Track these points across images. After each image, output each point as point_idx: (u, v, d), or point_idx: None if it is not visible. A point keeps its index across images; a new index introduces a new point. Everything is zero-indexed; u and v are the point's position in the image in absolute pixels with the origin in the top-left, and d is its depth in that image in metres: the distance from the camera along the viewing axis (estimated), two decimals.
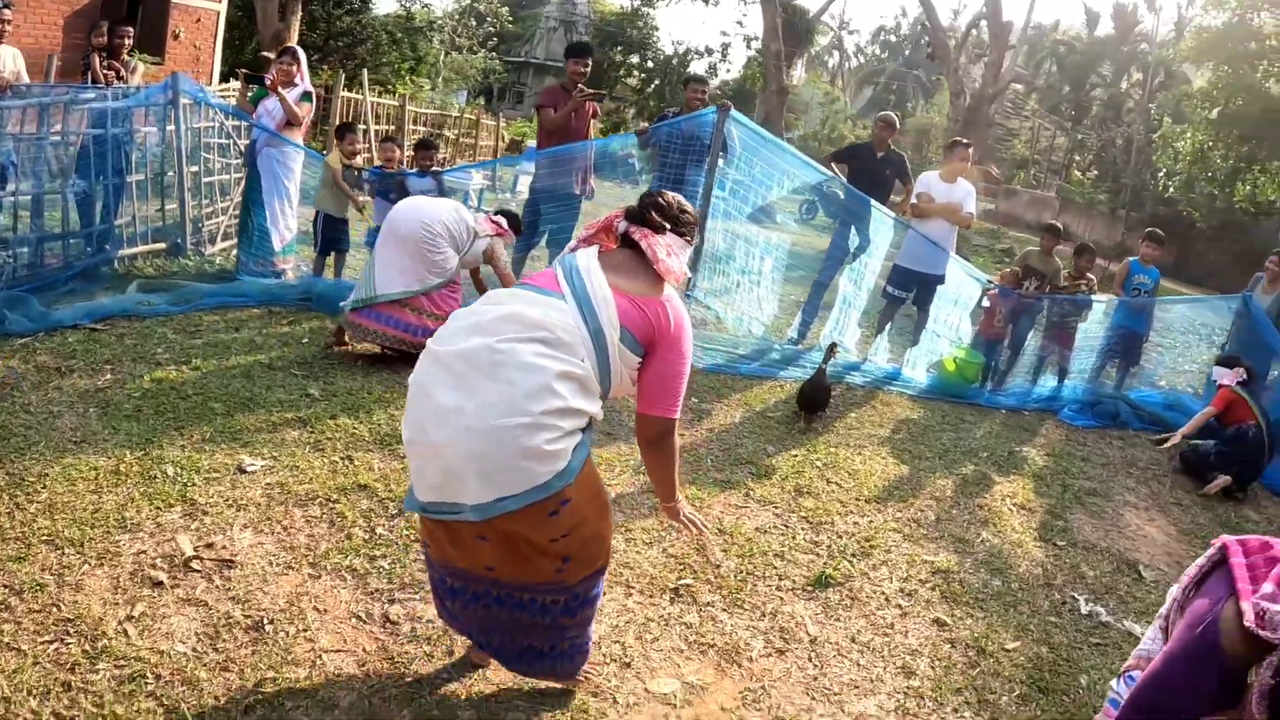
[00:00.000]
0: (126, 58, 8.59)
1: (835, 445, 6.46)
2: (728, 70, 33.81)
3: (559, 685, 3.17)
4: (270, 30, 18.58)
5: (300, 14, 19.20)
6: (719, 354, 7.99)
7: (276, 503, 4.31)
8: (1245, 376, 6.87)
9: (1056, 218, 29.55)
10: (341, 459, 4.88)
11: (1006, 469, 6.48)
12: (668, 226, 2.81)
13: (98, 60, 8.29)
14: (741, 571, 4.38)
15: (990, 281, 8.57)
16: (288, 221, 7.87)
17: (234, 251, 8.30)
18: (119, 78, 8.31)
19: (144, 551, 3.74)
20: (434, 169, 7.77)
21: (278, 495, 4.38)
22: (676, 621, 3.85)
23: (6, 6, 7.00)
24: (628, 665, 3.49)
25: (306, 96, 7.82)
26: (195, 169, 8.41)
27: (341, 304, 6.23)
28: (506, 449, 2.42)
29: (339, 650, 3.32)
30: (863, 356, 8.51)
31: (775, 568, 4.49)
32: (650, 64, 29.54)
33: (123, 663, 3.06)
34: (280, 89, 7.57)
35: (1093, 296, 8.40)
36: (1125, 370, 8.70)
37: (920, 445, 6.72)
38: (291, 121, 7.66)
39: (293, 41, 18.83)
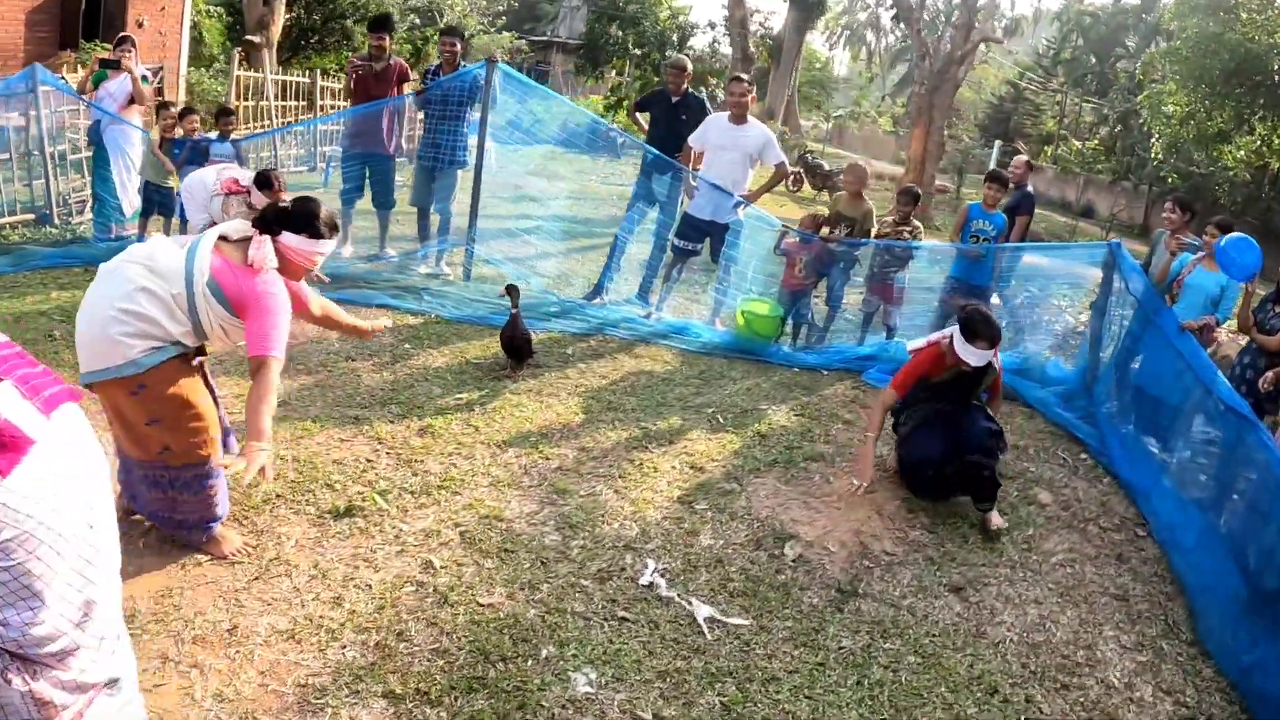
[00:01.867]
0: None
1: (526, 392, 5.76)
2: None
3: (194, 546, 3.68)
4: (255, 14, 18.28)
5: None
6: (482, 306, 7.24)
7: None
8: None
9: (1081, 196, 28.02)
10: None
11: (723, 427, 5.56)
12: (277, 229, 3.45)
13: None
14: (277, 495, 4.21)
15: (786, 226, 7.55)
16: (131, 191, 8.45)
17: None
18: None
19: None
20: (232, 136, 8.24)
21: None
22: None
23: None
24: None
25: (145, 79, 8.51)
26: (63, 148, 9.18)
27: None
28: (97, 334, 3.21)
29: None
30: (648, 310, 7.58)
31: (314, 495, 4.24)
32: (648, 38, 28.66)
33: None
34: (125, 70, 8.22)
35: (915, 242, 7.32)
36: None
37: (634, 398, 5.83)
38: (136, 100, 8.28)
39: (278, 25, 18.68)
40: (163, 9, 18.70)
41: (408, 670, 3.16)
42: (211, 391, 3.66)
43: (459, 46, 8.07)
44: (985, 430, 4.80)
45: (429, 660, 3.22)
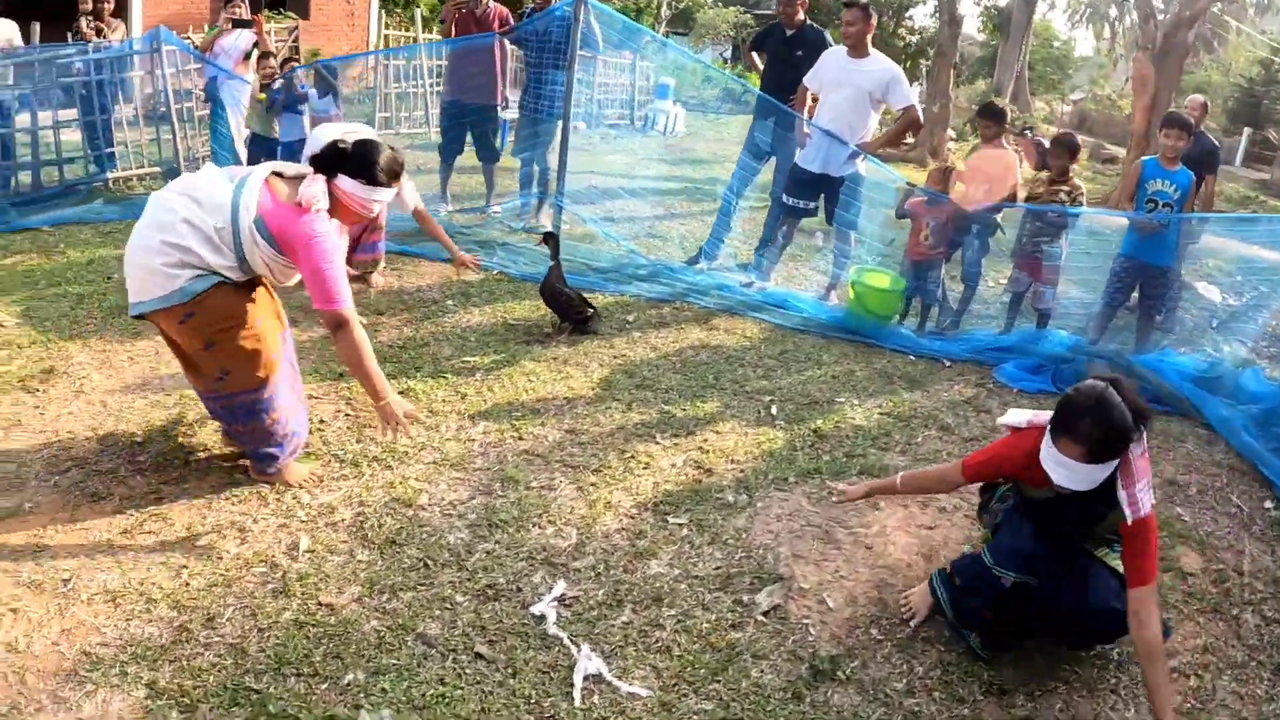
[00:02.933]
0: (110, 20, 9.50)
1: (550, 360, 4.84)
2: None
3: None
4: None
5: None
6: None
7: None
8: None
9: None
10: None
11: (774, 420, 4.35)
12: (334, 170, 3.20)
13: (84, 22, 9.26)
14: (205, 453, 3.71)
15: (910, 183, 6.09)
16: (241, 144, 8.40)
17: None
18: (99, 34, 9.20)
19: None
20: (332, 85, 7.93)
21: None
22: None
23: None
24: None
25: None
26: (189, 105, 9.24)
27: None
28: (142, 264, 3.09)
29: None
30: (750, 279, 6.38)
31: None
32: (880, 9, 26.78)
33: None
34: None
35: (1074, 209, 5.71)
36: (1145, 322, 5.90)
37: (677, 377, 4.73)
38: (260, 50, 8.17)
39: None
40: None
41: (188, 663, 2.59)
42: (279, 318, 3.45)
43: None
44: (1104, 600, 2.71)
45: (219, 656, 2.62)
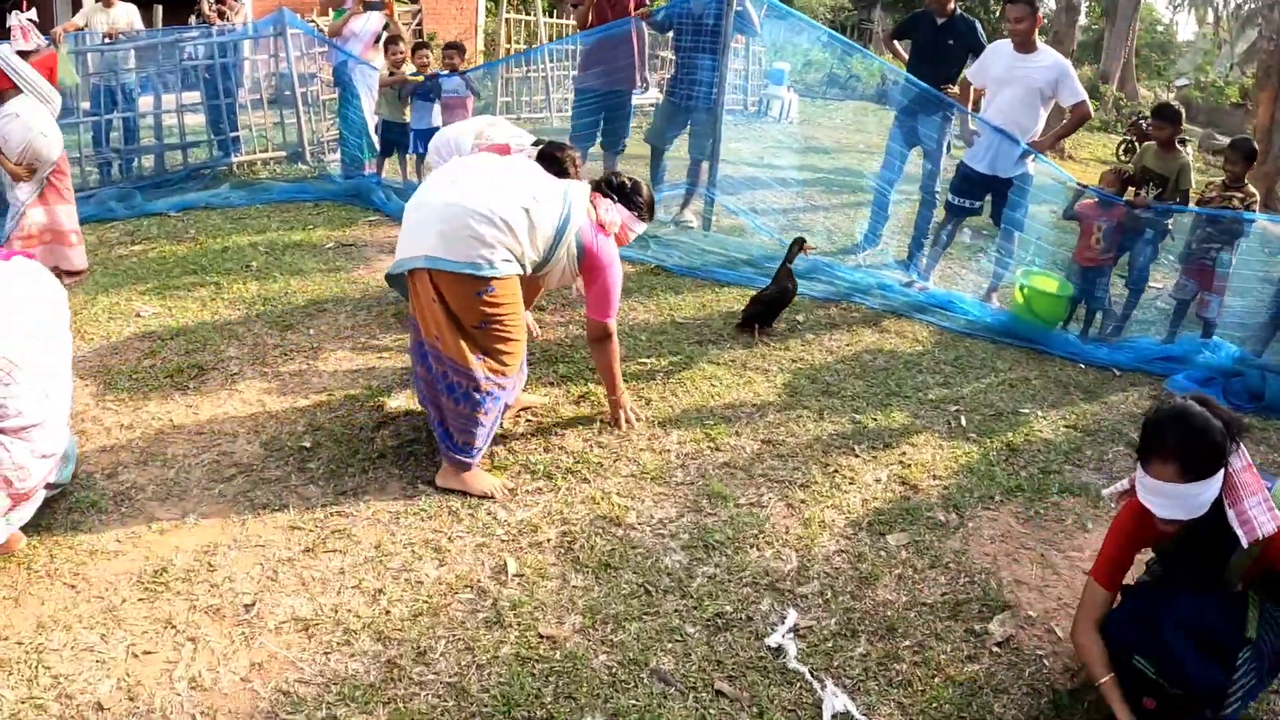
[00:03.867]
0: (233, 1, 9.32)
1: (728, 363, 4.69)
2: None
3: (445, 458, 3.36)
4: None
5: None
6: (714, 258, 6.24)
7: None
8: None
9: None
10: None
11: (964, 432, 4.18)
12: (614, 196, 3.62)
13: (206, 4, 9.09)
14: (379, 456, 3.61)
15: (1081, 185, 5.81)
16: (372, 130, 8.27)
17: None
18: (222, 17, 9.06)
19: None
20: (461, 69, 7.62)
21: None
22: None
23: None
24: None
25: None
26: (314, 89, 9.18)
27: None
28: (461, 226, 3.05)
29: None
30: (911, 279, 6.19)
31: (421, 460, 3.55)
32: None
33: None
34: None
35: (1250, 214, 5.39)
36: None
37: (860, 383, 4.60)
38: (379, 40, 8.06)
39: None
40: None
41: (404, 705, 2.35)
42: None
43: None
44: (1209, 653, 2.32)
45: (438, 697, 2.39)
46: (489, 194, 3.12)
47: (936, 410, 4.37)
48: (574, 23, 15.04)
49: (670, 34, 6.94)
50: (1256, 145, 6.26)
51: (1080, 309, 5.80)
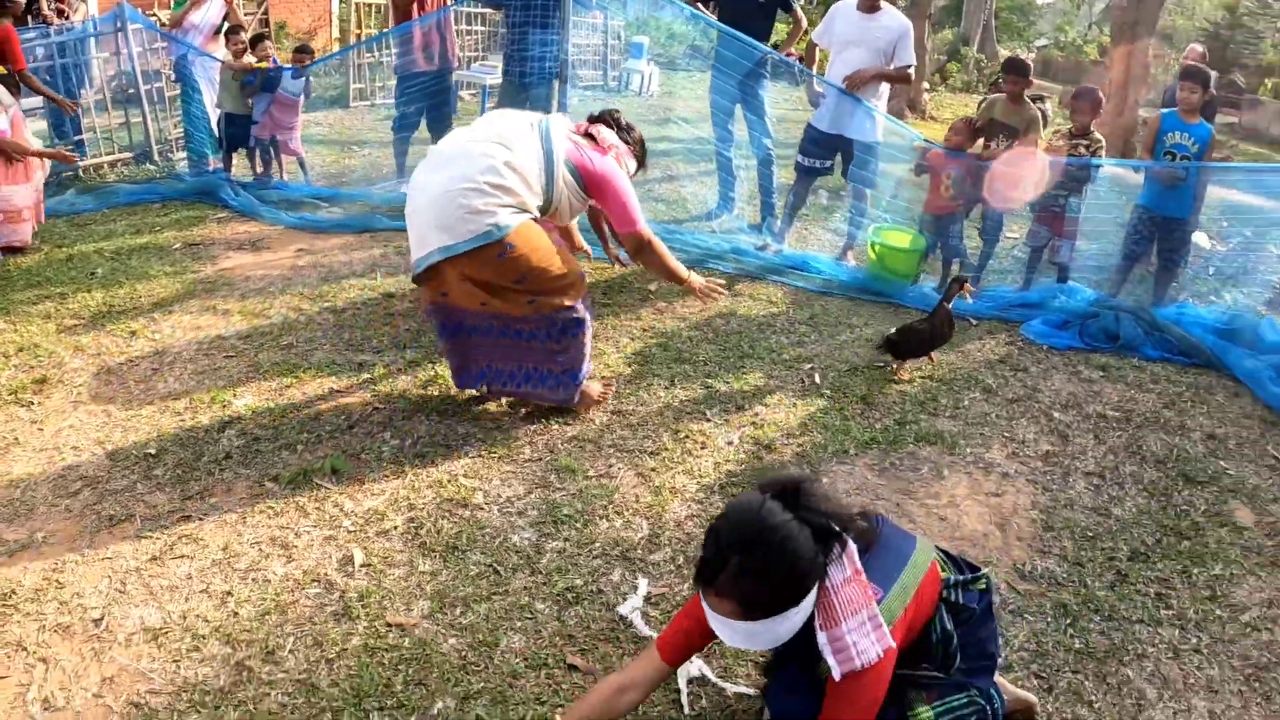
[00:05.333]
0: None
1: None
2: None
3: (558, 404, 3.72)
4: None
5: None
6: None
7: None
8: None
9: None
10: None
11: (818, 389, 4.24)
12: (611, 127, 3.81)
13: (45, 3, 8.81)
14: (225, 456, 3.40)
15: (928, 141, 5.97)
16: (213, 123, 8.12)
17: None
18: (61, 15, 8.84)
19: None
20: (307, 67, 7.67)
21: None
22: None
23: None
24: None
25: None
26: (159, 85, 8.75)
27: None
28: (452, 209, 3.25)
29: None
30: (764, 241, 6.24)
31: (269, 456, 3.38)
32: None
33: None
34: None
35: (1097, 160, 5.62)
36: (1164, 274, 5.84)
37: (713, 347, 4.60)
38: (231, 22, 7.93)
39: None
40: None
41: (255, 706, 2.33)
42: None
43: None
44: None
45: (288, 695, 2.36)
46: (464, 164, 3.28)
47: (790, 369, 4.41)
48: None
49: (502, 13, 6.84)
50: (1106, 98, 6.53)
51: (935, 262, 5.95)
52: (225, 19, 7.86)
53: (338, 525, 3.05)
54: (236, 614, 2.63)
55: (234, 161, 7.85)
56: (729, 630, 1.80)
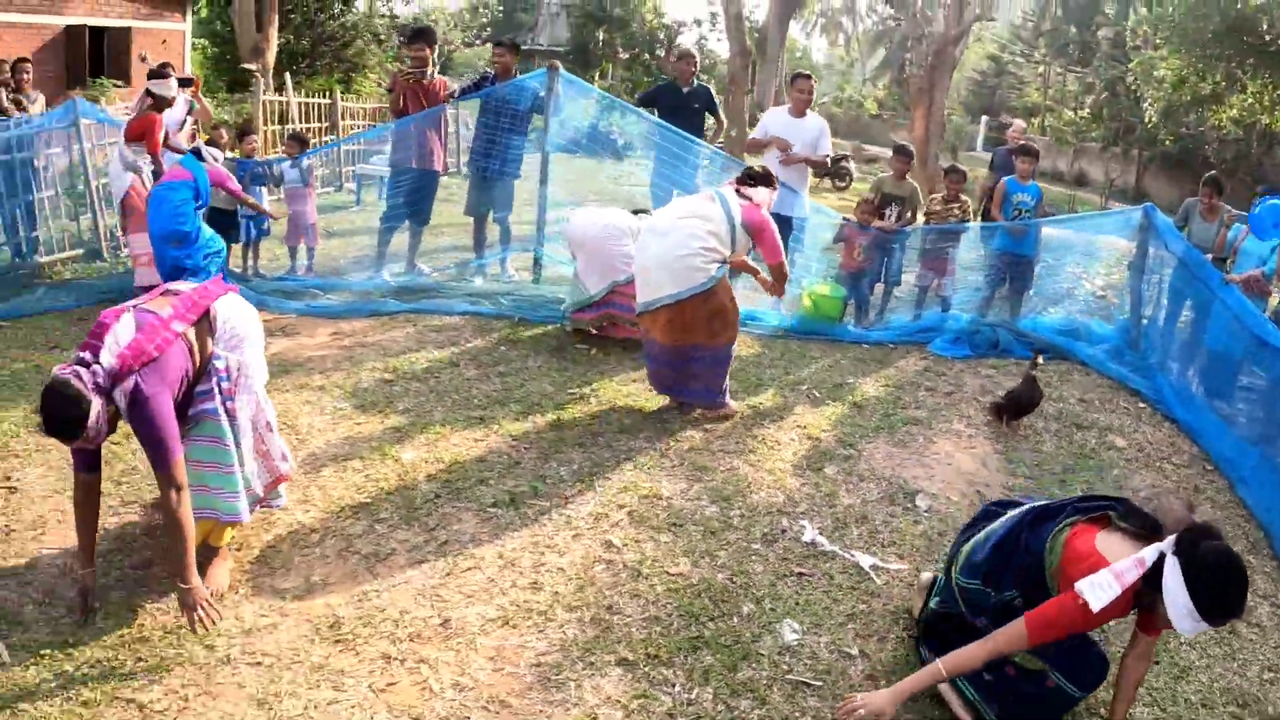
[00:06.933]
0: (29, 90, 9.04)
1: (631, 381, 6.06)
2: (719, 39, 33.07)
3: (710, 411, 5.41)
4: (248, 43, 18.57)
5: (277, 24, 19.18)
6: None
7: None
8: None
9: (1073, 164, 28.50)
10: None
11: (822, 400, 5.99)
12: (754, 182, 5.41)
13: (3, 95, 8.63)
14: (435, 495, 4.40)
15: (845, 218, 8.04)
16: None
17: None
18: (20, 108, 8.70)
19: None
20: (298, 155, 8.31)
21: None
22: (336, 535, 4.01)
23: None
24: None
25: (193, 105, 8.48)
26: (106, 181, 8.51)
27: (562, 310, 6.96)
28: (680, 268, 4.98)
29: (55, 548, 3.49)
30: None
31: (471, 491, 4.45)
32: (636, 39, 29.14)
33: None
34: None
35: (967, 223, 7.83)
36: (1017, 297, 8.05)
37: (733, 381, 6.17)
38: (199, 121, 8.46)
39: (272, 52, 18.85)
40: (164, 42, 19.19)
41: (631, 639, 3.38)
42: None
43: (509, 57, 8.14)
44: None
45: (645, 628, 3.46)
46: (680, 235, 5.01)
47: (794, 390, 6.16)
48: (324, 100, 15.91)
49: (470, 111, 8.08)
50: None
51: (851, 306, 7.95)
52: (191, 110, 8.25)
53: (576, 526, 4.13)
54: (558, 593, 3.59)
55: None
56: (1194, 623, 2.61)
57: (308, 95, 16.00)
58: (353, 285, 8.07)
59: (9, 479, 4.30)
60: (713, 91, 8.61)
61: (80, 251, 8.63)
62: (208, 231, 6.56)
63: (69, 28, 17.07)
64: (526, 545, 3.98)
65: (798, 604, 3.77)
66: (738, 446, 5.20)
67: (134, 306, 3.30)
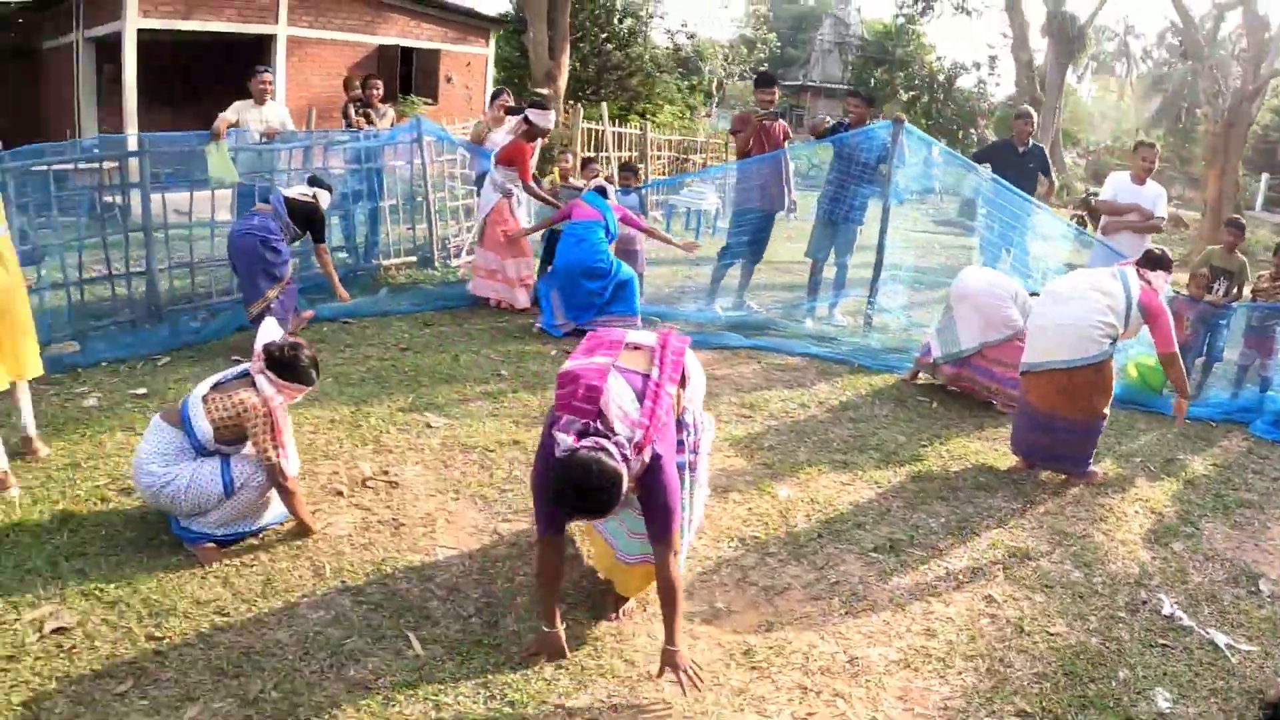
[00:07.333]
0: (379, 105, 9.74)
1: (969, 438, 6.61)
2: (996, 84, 32.98)
3: (1078, 478, 5.87)
4: (542, 69, 20.23)
5: (569, 52, 20.78)
6: (890, 356, 8.35)
7: (446, 449, 5.47)
8: None
9: None
10: (511, 422, 5.96)
11: (1156, 475, 6.37)
12: (1152, 266, 5.72)
13: (352, 109, 9.52)
14: (818, 535, 4.87)
15: (1176, 292, 8.43)
16: None
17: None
18: (369, 122, 9.47)
19: (336, 472, 4.99)
20: (637, 186, 9.27)
21: (449, 444, 5.55)
22: (731, 564, 4.48)
23: (266, 71, 8.28)
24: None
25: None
26: (441, 195, 9.96)
27: (935, 356, 7.28)
28: (1078, 337, 5.40)
29: (451, 547, 4.35)
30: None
31: (853, 535, 4.90)
32: (916, 81, 29.45)
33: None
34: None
35: None
36: None
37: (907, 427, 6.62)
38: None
39: (564, 78, 20.46)
40: (468, 65, 20.88)
41: (1025, 691, 3.61)
42: None
43: (864, 108, 8.93)
44: None
45: (1036, 683, 3.69)
46: (1082, 305, 5.46)
47: (1128, 462, 6.51)
48: (635, 130, 17.07)
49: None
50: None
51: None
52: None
53: (957, 578, 4.54)
54: (951, 641, 3.90)
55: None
56: None
57: (594, 122, 17.11)
58: (689, 316, 8.90)
59: (387, 473, 5.02)
60: (1045, 151, 9.14)
61: (414, 259, 9.67)
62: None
63: (382, 47, 18.81)
64: (913, 592, 4.32)
65: (1165, 674, 3.97)
66: (1088, 514, 5.63)
67: (614, 366, 3.20)
